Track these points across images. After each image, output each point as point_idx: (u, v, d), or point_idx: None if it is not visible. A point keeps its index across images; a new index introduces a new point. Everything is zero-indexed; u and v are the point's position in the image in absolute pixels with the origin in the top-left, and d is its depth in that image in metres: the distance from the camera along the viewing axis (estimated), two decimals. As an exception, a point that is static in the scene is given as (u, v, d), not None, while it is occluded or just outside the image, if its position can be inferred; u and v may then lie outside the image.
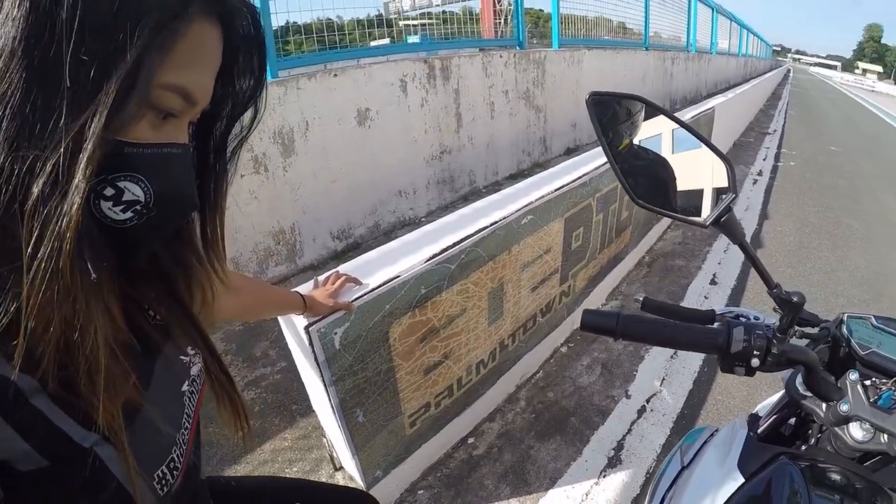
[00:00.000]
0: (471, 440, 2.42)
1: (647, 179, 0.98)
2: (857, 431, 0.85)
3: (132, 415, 0.55)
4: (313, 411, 2.26)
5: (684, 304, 3.78)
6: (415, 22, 6.76)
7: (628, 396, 2.76)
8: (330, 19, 4.53)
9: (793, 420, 1.07)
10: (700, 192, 0.95)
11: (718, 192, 0.93)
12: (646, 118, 0.96)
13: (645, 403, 2.72)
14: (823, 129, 15.30)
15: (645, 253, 4.48)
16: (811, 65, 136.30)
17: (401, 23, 6.54)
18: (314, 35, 4.36)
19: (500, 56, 6.08)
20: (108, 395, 0.48)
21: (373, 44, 5.21)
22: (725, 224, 0.90)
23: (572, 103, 7.66)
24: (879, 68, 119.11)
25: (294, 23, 4.23)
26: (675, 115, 0.94)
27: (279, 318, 1.52)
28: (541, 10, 8.59)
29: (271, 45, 3.77)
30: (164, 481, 0.59)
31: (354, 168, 4.42)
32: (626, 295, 3.78)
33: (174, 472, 0.61)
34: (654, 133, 0.97)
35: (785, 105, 20.39)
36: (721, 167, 0.92)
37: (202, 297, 0.68)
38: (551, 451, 2.39)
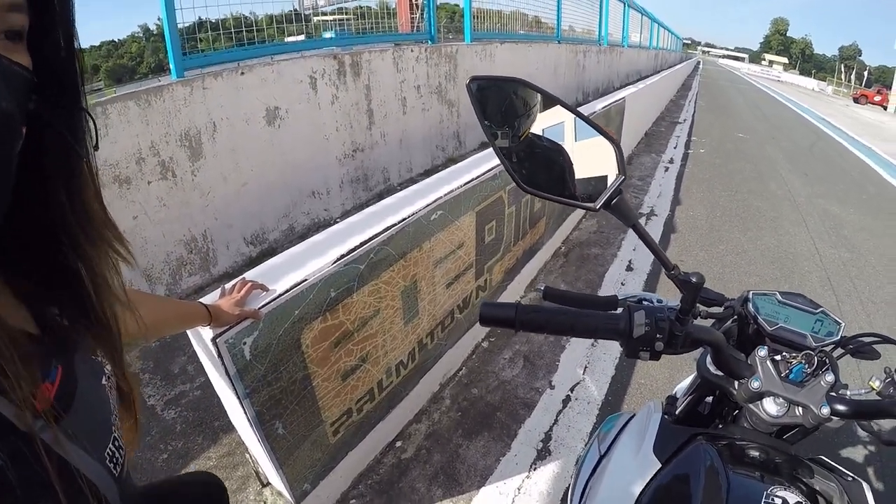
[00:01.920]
0: (398, 443, 2.39)
1: (542, 165, 0.97)
2: (771, 406, 0.87)
3: (69, 398, 0.55)
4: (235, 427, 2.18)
5: (602, 291, 3.86)
6: (330, 18, 6.64)
7: (552, 387, 2.80)
8: (245, 15, 4.39)
9: (710, 399, 1.09)
10: (592, 176, 0.95)
11: (608, 176, 0.92)
12: (531, 101, 0.94)
13: (569, 393, 2.76)
14: (731, 118, 16.16)
15: (561, 243, 4.56)
16: (720, 57, 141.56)
17: (315, 18, 6.40)
18: (225, 32, 4.19)
19: (412, 51, 6.06)
20: (27, 383, 0.47)
21: (288, 40, 5.07)
22: (616, 207, 0.89)
23: (485, 96, 7.69)
24: (785, 60, 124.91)
25: (207, 19, 4.03)
26: (560, 98, 0.93)
27: (188, 331, 1.44)
28: (456, 6, 8.62)
29: (176, 43, 3.61)
30: (114, 459, 0.60)
31: (265, 169, 4.30)
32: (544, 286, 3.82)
33: (120, 450, 0.62)
34: (549, 119, 0.95)
35: (695, 95, 21.31)
36: (609, 150, 0.91)
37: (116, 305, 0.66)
38: (480, 448, 2.40)
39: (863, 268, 4.78)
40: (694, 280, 0.84)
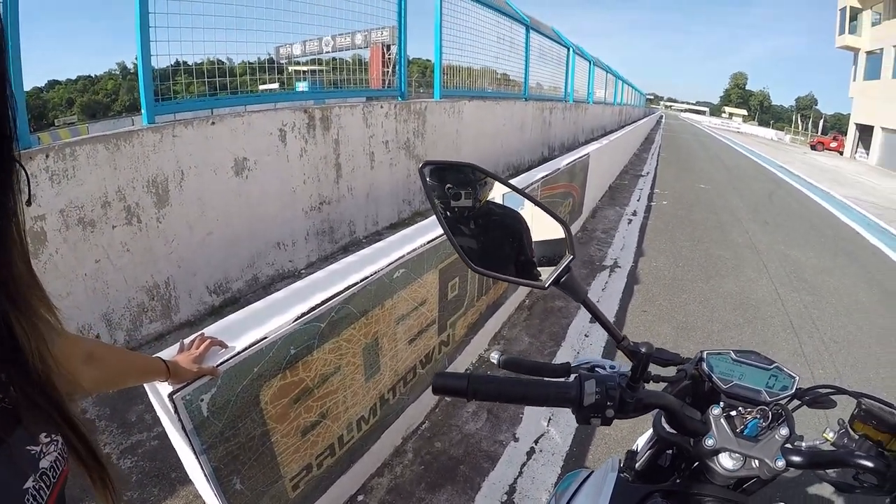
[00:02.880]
0: (360, 497, 2.36)
1: (491, 246, 1.01)
2: (727, 461, 0.89)
3: None
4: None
5: (565, 343, 3.90)
6: (304, 68, 6.71)
7: (516, 439, 2.80)
8: (221, 61, 4.43)
9: (670, 451, 1.11)
10: (542, 255, 1.00)
11: (558, 255, 0.97)
12: (482, 185, 0.99)
13: (533, 445, 2.76)
14: (693, 169, 16.69)
15: (525, 296, 4.58)
16: (682, 111, 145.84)
17: (290, 68, 6.48)
18: (199, 79, 4.24)
19: (381, 106, 6.17)
20: None
21: (261, 88, 5.10)
22: (565, 284, 0.93)
23: (452, 152, 7.88)
24: (744, 112, 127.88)
25: (183, 62, 4.04)
26: (511, 182, 0.99)
27: (145, 385, 1.43)
28: (428, 60, 8.79)
29: (149, 88, 3.65)
30: None
31: (231, 219, 4.30)
32: (508, 339, 3.86)
33: None
34: (500, 200, 1.00)
35: (657, 148, 21.90)
36: (559, 230, 0.96)
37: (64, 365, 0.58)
38: (443, 502, 2.38)
39: (824, 309, 4.96)
40: (643, 350, 0.88)
